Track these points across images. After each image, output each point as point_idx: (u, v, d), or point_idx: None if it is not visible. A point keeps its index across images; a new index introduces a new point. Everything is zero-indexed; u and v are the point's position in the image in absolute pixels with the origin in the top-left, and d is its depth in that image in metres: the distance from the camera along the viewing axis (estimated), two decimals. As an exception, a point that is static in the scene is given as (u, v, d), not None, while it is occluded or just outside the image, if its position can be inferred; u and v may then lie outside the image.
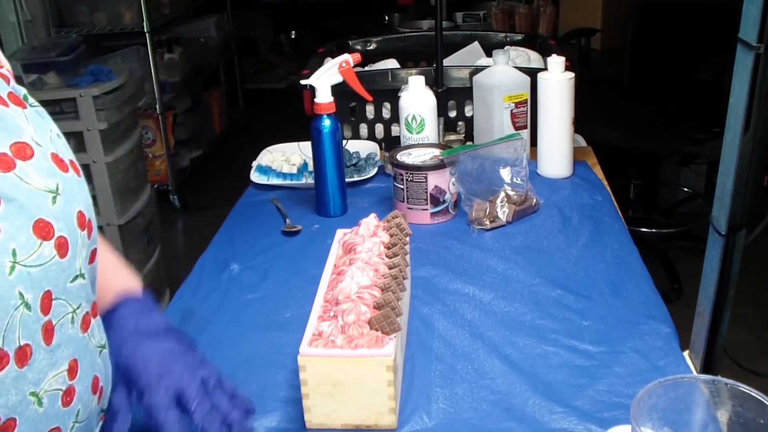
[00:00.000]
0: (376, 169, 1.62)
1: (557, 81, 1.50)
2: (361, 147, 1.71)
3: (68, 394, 0.65)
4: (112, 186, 2.40)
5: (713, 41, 2.90)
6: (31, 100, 0.69)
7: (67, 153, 0.69)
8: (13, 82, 0.68)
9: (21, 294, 0.59)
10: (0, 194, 0.59)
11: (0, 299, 0.57)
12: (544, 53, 1.87)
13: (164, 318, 0.83)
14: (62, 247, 0.63)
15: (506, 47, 1.93)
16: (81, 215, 0.66)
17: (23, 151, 0.63)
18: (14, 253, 0.58)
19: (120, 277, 0.86)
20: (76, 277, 0.66)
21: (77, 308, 0.67)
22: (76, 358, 0.66)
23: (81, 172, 0.70)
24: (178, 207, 3.85)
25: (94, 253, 0.70)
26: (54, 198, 0.63)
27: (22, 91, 0.69)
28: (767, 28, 0.80)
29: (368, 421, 0.88)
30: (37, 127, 0.66)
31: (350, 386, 0.86)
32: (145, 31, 3.51)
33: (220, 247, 1.37)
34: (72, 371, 0.66)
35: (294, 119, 2.26)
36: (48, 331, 0.62)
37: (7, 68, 0.69)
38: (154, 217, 2.74)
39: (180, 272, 1.43)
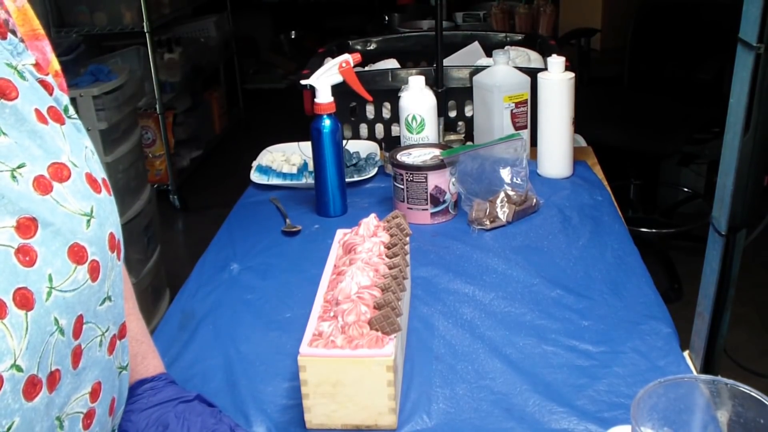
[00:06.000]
0: (376, 169, 1.62)
1: (557, 81, 1.50)
2: (361, 147, 1.71)
3: (89, 417, 0.65)
4: (112, 186, 2.39)
5: (713, 41, 2.90)
6: (71, 111, 0.67)
7: (100, 172, 0.67)
8: (57, 90, 0.66)
9: (56, 319, 0.58)
10: (37, 219, 0.58)
11: (37, 326, 0.56)
12: (544, 53, 1.87)
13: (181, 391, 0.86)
14: (94, 271, 0.63)
15: (506, 47, 1.93)
16: (112, 237, 0.66)
17: (60, 172, 0.61)
18: (50, 279, 0.58)
19: (145, 367, 0.87)
20: (104, 300, 0.65)
21: (106, 331, 0.66)
22: (100, 380, 0.66)
23: (111, 191, 0.69)
24: (178, 207, 3.85)
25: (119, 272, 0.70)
26: (88, 221, 0.62)
27: (64, 101, 0.67)
28: (767, 28, 0.80)
29: (368, 421, 0.88)
30: (74, 144, 0.65)
31: (350, 386, 0.86)
32: (145, 31, 3.50)
33: (220, 247, 1.37)
34: (95, 393, 0.65)
35: (294, 119, 2.26)
36: (76, 355, 0.62)
37: (52, 74, 0.67)
38: (154, 217, 2.74)
39: (180, 272, 1.43)
